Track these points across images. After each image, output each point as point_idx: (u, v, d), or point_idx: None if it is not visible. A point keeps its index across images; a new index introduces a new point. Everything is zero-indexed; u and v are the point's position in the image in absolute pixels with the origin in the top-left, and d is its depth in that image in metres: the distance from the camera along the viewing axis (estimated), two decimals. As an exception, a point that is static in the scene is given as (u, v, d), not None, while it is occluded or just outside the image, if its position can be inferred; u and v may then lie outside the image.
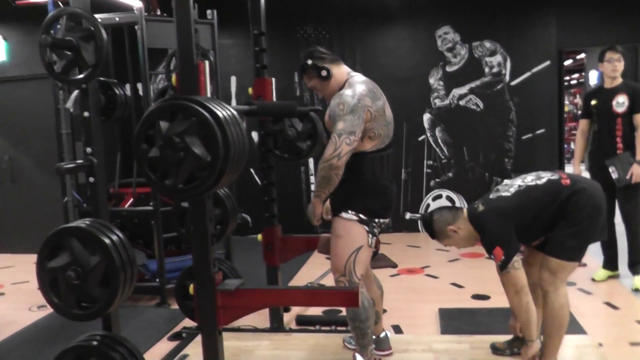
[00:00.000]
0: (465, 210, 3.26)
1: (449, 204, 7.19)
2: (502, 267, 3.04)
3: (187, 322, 4.15)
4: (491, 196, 3.21)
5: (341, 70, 3.18)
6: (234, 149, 2.13)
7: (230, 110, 2.22)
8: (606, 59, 4.74)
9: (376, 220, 3.08)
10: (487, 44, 7.03)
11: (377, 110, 3.03)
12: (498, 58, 7.02)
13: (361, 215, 3.04)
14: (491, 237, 3.08)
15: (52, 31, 2.48)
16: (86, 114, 2.60)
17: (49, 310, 4.81)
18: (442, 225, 3.24)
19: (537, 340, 3.16)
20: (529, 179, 3.18)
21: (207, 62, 2.45)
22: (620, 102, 4.66)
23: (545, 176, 3.14)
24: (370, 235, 3.07)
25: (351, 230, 3.05)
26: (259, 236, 3.87)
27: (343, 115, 2.92)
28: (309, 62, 3.15)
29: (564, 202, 3.01)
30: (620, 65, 4.69)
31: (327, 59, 3.17)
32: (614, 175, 4.65)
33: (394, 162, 3.32)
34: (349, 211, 3.05)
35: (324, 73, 3.12)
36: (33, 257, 6.35)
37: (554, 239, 3.08)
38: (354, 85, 3.04)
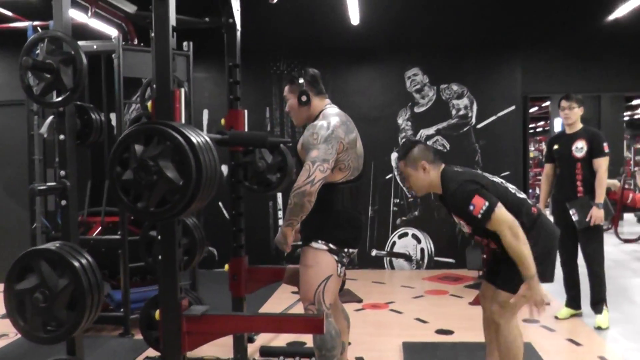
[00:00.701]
0: (443, 165, 3.22)
1: (414, 242, 7.29)
2: (487, 213, 2.93)
3: (151, 352, 4.12)
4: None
5: (320, 103, 3.23)
6: (206, 174, 2.18)
7: (203, 137, 2.29)
8: (560, 107, 5.02)
9: (345, 250, 3.13)
10: (455, 87, 7.24)
11: (349, 142, 3.08)
12: (465, 101, 7.23)
13: (331, 245, 3.07)
14: (469, 189, 3.00)
15: (33, 54, 2.53)
16: (62, 136, 2.65)
17: (10, 339, 4.76)
18: (419, 155, 3.18)
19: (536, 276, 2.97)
20: (511, 185, 3.26)
21: (182, 90, 2.52)
22: (579, 147, 4.85)
23: (523, 195, 3.24)
24: (339, 265, 3.11)
25: (321, 260, 3.08)
26: (226, 266, 3.89)
27: (317, 144, 2.96)
28: (300, 80, 3.20)
29: (522, 227, 3.01)
30: (572, 113, 4.90)
31: (315, 88, 3.22)
32: (574, 218, 4.83)
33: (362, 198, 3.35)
34: (319, 241, 3.08)
35: (303, 99, 3.16)
36: (-3, 286, 6.10)
37: (504, 273, 3.12)
38: (328, 117, 3.10)
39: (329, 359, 3.06)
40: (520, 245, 2.92)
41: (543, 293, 2.99)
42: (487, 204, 2.93)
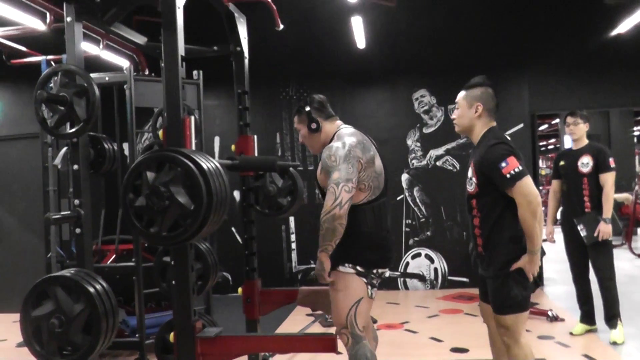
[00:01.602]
0: (494, 124, 3.16)
1: (427, 262, 7.31)
2: (517, 177, 2.87)
3: (167, 377, 4.15)
4: None
5: (332, 125, 3.25)
6: (216, 199, 2.24)
7: (213, 163, 2.35)
8: (565, 123, 5.09)
9: (374, 271, 3.10)
10: (463, 107, 7.29)
11: (367, 161, 3.07)
12: (473, 120, 7.25)
13: (358, 268, 3.05)
14: (509, 149, 2.95)
15: (47, 87, 2.61)
16: (75, 166, 2.72)
17: (27, 366, 4.80)
18: (481, 97, 3.12)
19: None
20: None
21: (192, 118, 2.58)
22: (585, 163, 4.89)
23: None
24: (369, 287, 3.09)
25: (350, 283, 3.05)
26: (240, 290, 3.93)
27: (337, 166, 2.95)
28: (307, 108, 3.24)
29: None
30: (577, 129, 4.96)
31: (323, 113, 3.25)
32: (583, 233, 4.86)
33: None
34: (346, 264, 3.06)
35: (313, 126, 3.20)
36: (12, 316, 6.33)
37: (493, 296, 3.10)
38: (343, 137, 3.10)
39: None
40: (534, 223, 2.88)
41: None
42: (520, 168, 2.88)
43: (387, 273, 3.24)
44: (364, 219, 3.05)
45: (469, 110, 3.13)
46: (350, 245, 3.03)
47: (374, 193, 3.11)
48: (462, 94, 3.20)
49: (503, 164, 2.89)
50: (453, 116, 3.27)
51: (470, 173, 3.12)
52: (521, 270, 2.99)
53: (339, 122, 3.30)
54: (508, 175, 2.88)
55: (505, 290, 3.02)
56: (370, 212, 3.09)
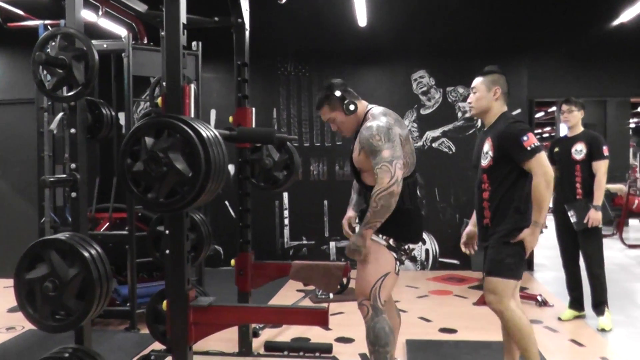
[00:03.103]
0: (506, 109, 3.41)
1: (419, 243, 7.33)
2: (536, 150, 3.10)
3: (156, 346, 4.17)
4: None
5: (362, 105, 3.26)
6: (214, 167, 2.24)
7: (212, 131, 2.34)
8: (560, 111, 5.14)
9: (405, 247, 3.15)
10: (461, 90, 7.30)
11: (405, 138, 3.10)
12: (471, 103, 7.25)
13: (391, 242, 3.10)
14: (527, 127, 3.23)
15: (44, 50, 2.59)
16: (73, 130, 2.70)
17: (17, 332, 4.83)
18: (500, 82, 3.38)
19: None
20: None
21: (192, 86, 2.57)
22: (579, 150, 4.91)
23: None
24: (397, 263, 3.13)
25: (380, 255, 3.09)
26: (233, 262, 3.94)
27: (384, 144, 2.96)
28: (338, 93, 3.20)
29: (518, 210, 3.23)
30: (572, 116, 4.98)
31: (353, 94, 3.26)
32: (573, 219, 4.90)
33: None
34: (380, 235, 3.09)
35: (352, 107, 3.17)
36: (3, 282, 6.35)
37: (490, 258, 3.26)
38: (379, 116, 3.11)
39: (382, 354, 3.04)
40: (547, 194, 3.10)
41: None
42: (537, 143, 3.12)
43: (416, 249, 3.28)
44: (400, 195, 3.02)
45: (488, 93, 3.38)
46: (389, 220, 3.02)
47: (410, 169, 3.17)
48: (479, 79, 3.44)
49: (524, 138, 3.12)
50: (469, 100, 3.48)
51: (487, 147, 3.32)
52: (521, 242, 3.17)
53: (364, 101, 3.31)
54: (529, 148, 3.10)
55: (500, 257, 3.22)
56: (406, 188, 3.11)
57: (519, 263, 3.22)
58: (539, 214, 3.14)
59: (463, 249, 3.67)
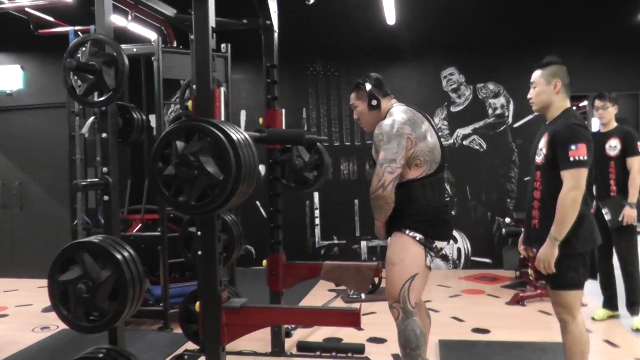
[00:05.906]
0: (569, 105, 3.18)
1: (451, 242, 7.27)
2: (578, 164, 2.90)
3: (189, 346, 4.20)
4: None
5: (387, 104, 3.28)
6: (245, 170, 2.24)
7: (243, 134, 2.35)
8: (594, 106, 5.00)
9: (434, 245, 3.12)
10: (491, 86, 7.21)
11: (418, 137, 3.09)
12: (501, 100, 7.19)
13: (418, 238, 3.07)
14: (585, 135, 2.96)
15: (75, 56, 2.62)
16: (104, 135, 2.73)
17: (52, 331, 4.92)
18: (560, 74, 3.16)
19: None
20: None
21: (222, 89, 2.58)
22: (613, 146, 4.81)
23: None
24: (427, 258, 3.09)
25: (405, 256, 3.07)
26: (264, 262, 3.96)
27: (383, 145, 3.03)
28: (368, 86, 3.26)
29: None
30: (606, 112, 4.88)
31: (381, 91, 3.29)
32: (607, 217, 4.80)
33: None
34: (408, 230, 3.08)
35: (374, 102, 3.25)
36: (37, 282, 6.45)
37: (555, 273, 3.05)
38: (393, 114, 3.15)
39: (413, 357, 3.02)
40: (570, 211, 2.90)
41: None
42: (585, 157, 2.91)
43: (446, 248, 3.24)
44: (423, 192, 3.09)
45: (547, 87, 3.15)
46: (414, 217, 3.08)
47: (431, 167, 3.15)
48: (538, 73, 3.22)
49: (573, 147, 2.91)
50: (529, 95, 3.26)
51: (542, 144, 3.14)
52: (577, 249, 2.97)
53: (393, 100, 3.33)
54: (571, 159, 2.91)
55: (563, 265, 3.00)
56: (430, 186, 3.13)
57: (581, 271, 3.04)
58: (558, 230, 2.93)
59: (522, 253, 3.44)
